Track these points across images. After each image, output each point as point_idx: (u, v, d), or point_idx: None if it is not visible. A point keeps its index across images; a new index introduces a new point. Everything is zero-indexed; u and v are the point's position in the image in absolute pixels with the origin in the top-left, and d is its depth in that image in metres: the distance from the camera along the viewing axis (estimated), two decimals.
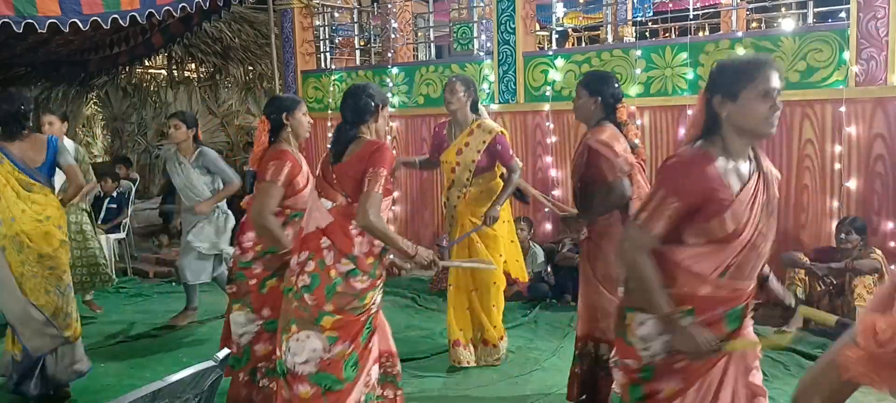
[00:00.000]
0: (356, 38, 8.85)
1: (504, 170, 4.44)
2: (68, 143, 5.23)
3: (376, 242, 2.97)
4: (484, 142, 4.37)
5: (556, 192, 6.45)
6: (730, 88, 2.16)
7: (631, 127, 3.57)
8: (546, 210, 6.55)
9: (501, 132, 4.41)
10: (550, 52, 6.57)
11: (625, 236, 2.28)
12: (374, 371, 3.10)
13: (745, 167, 2.22)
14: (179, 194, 5.47)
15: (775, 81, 2.14)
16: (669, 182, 2.19)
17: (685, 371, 2.26)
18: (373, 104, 3.06)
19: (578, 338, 3.69)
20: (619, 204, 3.40)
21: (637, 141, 3.59)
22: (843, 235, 4.97)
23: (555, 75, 6.42)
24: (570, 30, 10.85)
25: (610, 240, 3.43)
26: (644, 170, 3.64)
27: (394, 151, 3.58)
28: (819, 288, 4.99)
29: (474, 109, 4.47)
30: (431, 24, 8.45)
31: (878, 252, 4.88)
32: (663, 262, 2.22)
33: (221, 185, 5.31)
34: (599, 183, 3.42)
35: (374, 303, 3.03)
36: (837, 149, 5.28)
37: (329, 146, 3.32)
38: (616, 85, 3.57)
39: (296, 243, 3.14)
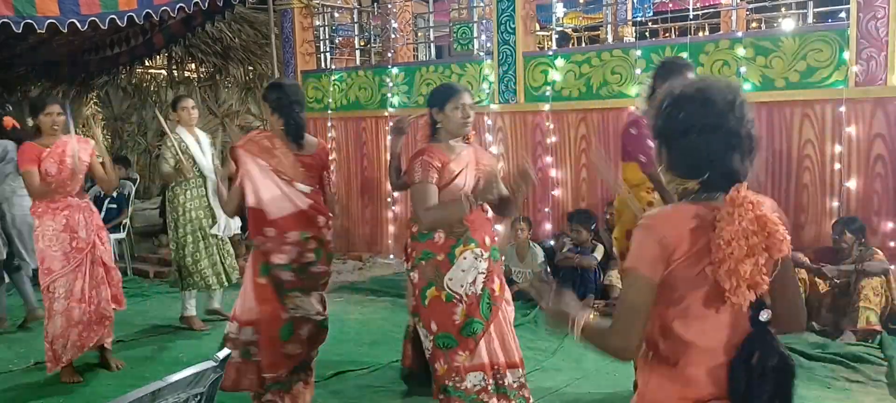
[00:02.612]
0: (356, 38, 8.85)
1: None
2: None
3: None
4: None
5: (556, 192, 6.45)
6: None
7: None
8: (546, 209, 6.56)
9: None
10: (550, 52, 6.57)
11: None
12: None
13: None
14: None
15: None
16: None
17: None
18: None
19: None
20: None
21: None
22: (836, 236, 4.98)
23: (555, 75, 6.41)
24: (570, 30, 10.84)
25: None
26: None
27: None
28: (822, 289, 4.99)
29: None
30: (431, 24, 8.45)
31: (879, 252, 4.88)
32: None
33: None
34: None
35: None
36: (837, 149, 5.28)
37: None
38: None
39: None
